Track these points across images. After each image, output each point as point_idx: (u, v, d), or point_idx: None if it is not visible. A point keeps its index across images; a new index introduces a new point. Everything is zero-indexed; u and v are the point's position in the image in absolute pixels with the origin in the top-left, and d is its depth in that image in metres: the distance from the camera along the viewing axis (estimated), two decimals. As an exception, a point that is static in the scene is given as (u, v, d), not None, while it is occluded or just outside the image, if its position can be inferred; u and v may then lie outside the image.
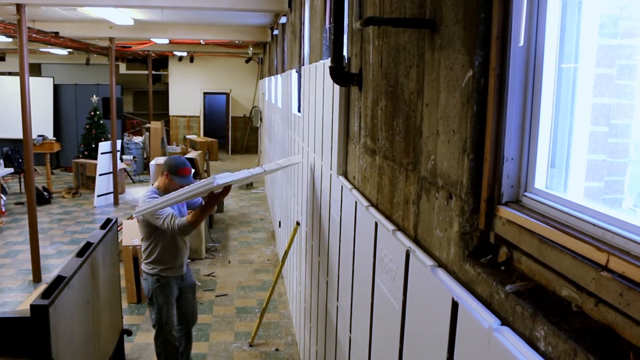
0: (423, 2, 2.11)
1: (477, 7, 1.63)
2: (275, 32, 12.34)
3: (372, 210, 2.81)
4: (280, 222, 8.95)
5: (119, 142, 14.30)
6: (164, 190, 4.90)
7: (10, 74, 18.87)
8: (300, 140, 6.09)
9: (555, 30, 1.52)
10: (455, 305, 1.70)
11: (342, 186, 3.56)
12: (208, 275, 8.68)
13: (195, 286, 5.59)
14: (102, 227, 5.09)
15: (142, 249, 5.07)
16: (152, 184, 5.03)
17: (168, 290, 5.07)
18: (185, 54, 20.97)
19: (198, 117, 23.17)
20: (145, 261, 5.05)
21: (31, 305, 3.36)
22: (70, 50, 17.21)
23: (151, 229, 4.90)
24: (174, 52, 20.69)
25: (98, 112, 16.32)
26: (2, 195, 12.46)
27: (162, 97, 23.37)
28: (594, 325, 1.24)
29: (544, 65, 1.53)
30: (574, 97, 1.52)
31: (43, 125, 17.21)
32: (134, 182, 16.40)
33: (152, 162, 14.32)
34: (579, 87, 1.51)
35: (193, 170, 5.79)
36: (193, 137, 21.46)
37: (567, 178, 1.55)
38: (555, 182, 1.56)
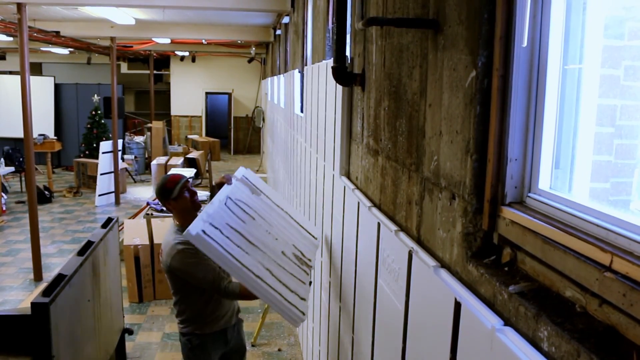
0: (426, 2, 2.11)
1: (481, 7, 1.63)
2: (278, 32, 12.34)
3: (374, 210, 2.81)
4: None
5: (120, 141, 14.31)
6: (185, 219, 3.72)
7: (11, 73, 18.88)
8: (303, 141, 6.09)
9: (559, 30, 1.51)
10: (458, 306, 1.70)
11: (344, 187, 3.56)
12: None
13: (245, 351, 4.37)
14: (103, 226, 5.09)
15: (173, 303, 4.01)
16: (173, 224, 3.92)
17: (203, 356, 3.97)
18: (187, 53, 20.98)
19: (200, 117, 23.16)
20: (179, 319, 3.97)
21: (32, 303, 3.37)
22: (72, 49, 17.20)
23: (181, 281, 3.80)
24: (176, 52, 20.69)
25: (99, 112, 16.34)
26: (3, 194, 12.47)
27: (164, 96, 23.36)
28: (597, 325, 1.24)
29: (548, 66, 1.53)
30: (578, 98, 1.52)
31: (44, 124, 17.24)
32: (135, 182, 16.42)
33: (154, 162, 14.40)
34: (584, 88, 1.50)
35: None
36: (195, 137, 21.45)
37: (572, 179, 1.55)
38: (560, 183, 1.56)
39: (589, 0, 1.50)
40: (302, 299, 3.36)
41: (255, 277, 3.12)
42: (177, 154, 17.24)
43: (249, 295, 3.58)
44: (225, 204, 3.57)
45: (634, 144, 1.44)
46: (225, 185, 3.85)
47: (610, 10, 1.47)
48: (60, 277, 3.69)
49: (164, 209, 4.32)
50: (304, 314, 3.23)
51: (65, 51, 18.28)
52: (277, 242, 3.67)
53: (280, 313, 3.20)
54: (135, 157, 17.59)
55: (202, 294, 3.82)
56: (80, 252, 4.23)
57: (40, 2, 9.04)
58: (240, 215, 3.59)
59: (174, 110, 23.13)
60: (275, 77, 12.96)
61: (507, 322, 1.48)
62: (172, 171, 12.14)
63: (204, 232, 3.08)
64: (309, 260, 3.85)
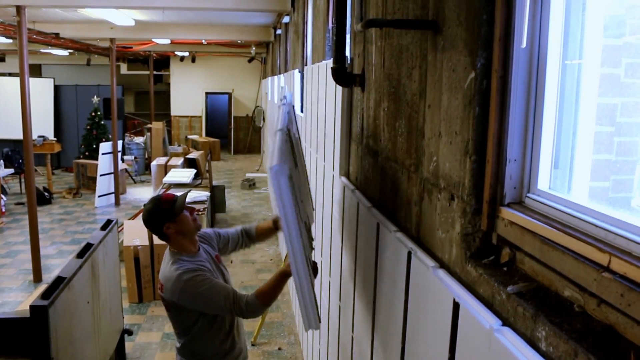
0: (426, 3, 2.11)
1: (480, 9, 1.63)
2: (279, 31, 12.34)
3: (374, 211, 2.81)
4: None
5: (120, 142, 14.30)
6: (188, 243, 3.33)
7: (10, 74, 18.87)
8: (303, 141, 6.09)
9: (558, 31, 1.52)
10: (456, 306, 1.70)
11: (344, 187, 3.56)
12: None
13: None
14: (103, 228, 5.10)
15: (178, 344, 3.43)
16: (170, 252, 3.36)
17: None
18: (186, 54, 20.96)
19: (200, 117, 23.16)
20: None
21: (31, 306, 3.38)
22: (71, 51, 17.21)
23: (193, 316, 3.27)
24: (176, 52, 20.68)
25: (99, 113, 16.35)
26: (3, 196, 12.47)
27: (164, 97, 23.35)
28: (595, 325, 1.24)
29: (547, 67, 1.53)
30: (578, 98, 1.52)
31: (44, 126, 17.22)
32: (135, 183, 16.41)
33: (154, 163, 14.37)
34: (583, 88, 1.51)
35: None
36: (195, 137, 21.46)
37: (571, 179, 1.55)
38: (559, 183, 1.56)
39: (588, 0, 1.50)
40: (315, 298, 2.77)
41: (304, 254, 2.45)
42: (177, 155, 17.22)
43: (268, 302, 3.25)
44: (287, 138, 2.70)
45: (635, 141, 1.44)
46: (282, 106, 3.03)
47: (610, 9, 1.48)
48: (59, 280, 3.69)
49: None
50: (320, 320, 2.79)
51: (64, 52, 18.27)
52: (302, 207, 2.88)
53: (305, 311, 2.63)
54: (135, 157, 17.59)
55: (221, 326, 3.35)
56: (80, 255, 4.24)
57: (40, 4, 9.02)
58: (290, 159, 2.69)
59: (174, 111, 23.13)
60: (275, 77, 12.97)
61: (505, 322, 1.49)
62: (172, 171, 12.14)
63: (290, 178, 2.22)
64: (312, 239, 3.36)
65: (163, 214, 3.27)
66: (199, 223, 3.42)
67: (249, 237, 3.72)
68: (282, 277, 3.19)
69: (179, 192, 3.40)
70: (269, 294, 3.19)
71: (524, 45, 1.54)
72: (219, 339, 3.36)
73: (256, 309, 3.21)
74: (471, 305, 1.61)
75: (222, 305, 3.16)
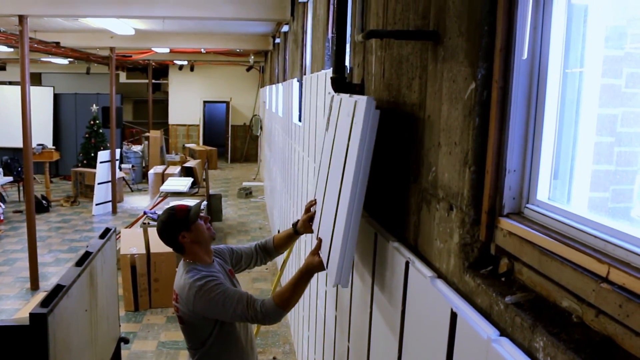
0: (427, 13, 2.12)
1: (481, 20, 1.64)
2: (277, 40, 12.36)
3: (371, 220, 2.81)
4: (279, 231, 8.92)
5: (118, 151, 14.30)
6: (203, 253, 3.29)
7: (10, 83, 18.87)
8: (301, 150, 6.10)
9: (560, 42, 1.52)
10: (454, 316, 1.70)
11: (342, 196, 3.56)
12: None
13: None
14: (101, 236, 5.09)
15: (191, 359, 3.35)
16: (184, 263, 3.30)
17: None
18: (185, 62, 20.99)
19: (197, 125, 23.17)
20: None
21: (30, 314, 3.37)
22: (71, 59, 17.23)
23: (208, 327, 3.18)
24: (175, 61, 20.71)
25: (97, 121, 16.38)
26: (1, 204, 12.46)
27: (162, 106, 23.36)
28: (594, 336, 1.24)
29: (547, 78, 1.54)
30: (578, 109, 1.53)
31: (43, 134, 17.24)
32: (132, 191, 16.40)
33: (151, 171, 14.40)
34: (584, 99, 1.51)
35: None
36: (192, 145, 21.47)
37: (571, 189, 1.56)
38: (559, 194, 1.56)
39: (590, 11, 1.51)
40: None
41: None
42: (174, 163, 17.25)
43: (286, 305, 3.03)
44: None
45: (635, 151, 1.45)
46: None
47: (611, 20, 1.48)
48: (58, 288, 3.68)
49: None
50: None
51: (64, 61, 18.28)
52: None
53: (342, 262, 2.52)
54: (133, 166, 17.58)
55: (237, 342, 3.27)
56: (79, 263, 4.23)
57: (42, 14, 9.03)
58: None
59: (172, 119, 23.14)
60: (273, 86, 12.99)
61: (503, 333, 1.49)
62: (169, 180, 12.14)
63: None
64: None
65: (178, 224, 3.24)
66: (213, 232, 3.39)
67: (266, 251, 3.62)
68: (303, 275, 2.99)
69: (191, 202, 3.43)
70: (287, 294, 3.00)
71: (525, 56, 1.54)
72: (234, 355, 3.29)
73: (273, 312, 3.01)
74: (469, 316, 1.61)
75: (235, 309, 3.02)
